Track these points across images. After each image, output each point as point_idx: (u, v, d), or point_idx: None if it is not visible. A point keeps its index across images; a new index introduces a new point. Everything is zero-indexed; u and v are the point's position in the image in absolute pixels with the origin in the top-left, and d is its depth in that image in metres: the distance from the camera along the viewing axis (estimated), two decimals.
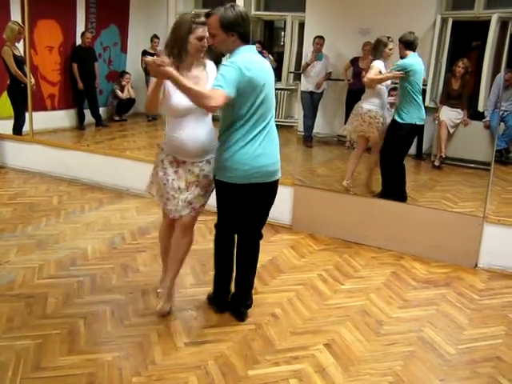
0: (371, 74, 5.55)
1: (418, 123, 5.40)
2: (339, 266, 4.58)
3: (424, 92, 5.95)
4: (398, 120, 5.38)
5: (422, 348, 3.38)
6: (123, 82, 9.62)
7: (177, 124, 3.31)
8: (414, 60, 5.35)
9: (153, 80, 3.11)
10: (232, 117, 3.19)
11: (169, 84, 3.08)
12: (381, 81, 5.61)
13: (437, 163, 6.70)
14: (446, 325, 3.69)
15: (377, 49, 5.69)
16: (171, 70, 2.90)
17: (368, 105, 5.76)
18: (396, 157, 5.54)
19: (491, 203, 4.91)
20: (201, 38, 3.19)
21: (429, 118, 6.43)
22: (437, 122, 6.82)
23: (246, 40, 3.16)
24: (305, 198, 5.31)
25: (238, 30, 3.12)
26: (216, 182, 3.38)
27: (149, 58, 2.88)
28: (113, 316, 3.58)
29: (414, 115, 5.38)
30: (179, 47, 3.19)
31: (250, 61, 3.11)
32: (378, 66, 5.60)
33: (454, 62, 6.77)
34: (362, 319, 3.69)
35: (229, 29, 3.09)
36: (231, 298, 3.69)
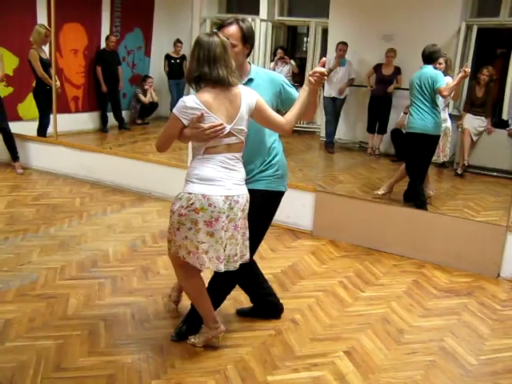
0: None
1: (411, 132, 5.50)
2: (360, 273, 4.56)
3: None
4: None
5: (442, 358, 3.35)
6: (146, 86, 9.69)
7: None
8: (414, 74, 5.51)
9: (305, 89, 3.01)
10: None
11: None
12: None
13: (459, 171, 6.65)
14: (467, 335, 3.65)
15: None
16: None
17: None
18: (406, 164, 5.67)
19: None
20: None
21: (452, 125, 6.39)
22: (460, 129, 6.77)
23: (249, 55, 3.20)
24: (326, 204, 5.29)
25: (252, 44, 3.15)
26: (271, 195, 3.28)
27: (320, 68, 2.93)
28: (133, 318, 3.60)
29: (407, 125, 5.59)
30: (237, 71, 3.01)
31: None
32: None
33: (478, 69, 6.72)
34: (383, 327, 3.67)
35: (247, 41, 3.09)
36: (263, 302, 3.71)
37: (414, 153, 5.48)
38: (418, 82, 5.36)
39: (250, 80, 3.15)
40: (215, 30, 3.01)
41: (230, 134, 2.89)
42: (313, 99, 3.07)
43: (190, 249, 2.94)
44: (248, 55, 3.19)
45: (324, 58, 3.04)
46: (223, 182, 2.90)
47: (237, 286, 3.52)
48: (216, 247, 2.92)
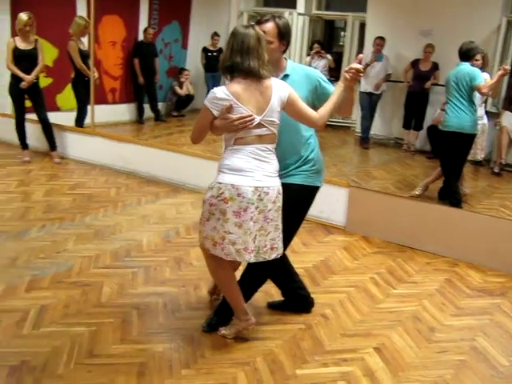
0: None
1: (447, 130, 5.40)
2: (392, 269, 4.53)
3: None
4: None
5: (473, 358, 3.32)
6: (182, 79, 9.78)
7: None
8: (450, 72, 5.40)
9: (340, 85, 3.02)
10: None
11: None
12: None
13: (496, 170, 6.57)
14: (499, 335, 3.61)
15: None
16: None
17: None
18: (441, 160, 5.62)
19: None
20: None
21: (490, 123, 6.30)
22: (498, 127, 6.68)
23: (285, 51, 3.21)
24: (360, 199, 5.27)
25: (288, 41, 3.15)
26: (307, 190, 3.28)
27: (356, 65, 2.92)
28: (165, 308, 3.64)
29: (442, 123, 5.47)
30: (270, 64, 3.00)
31: None
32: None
33: None
34: (414, 325, 3.65)
35: (283, 38, 3.10)
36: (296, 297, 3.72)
37: (450, 151, 5.39)
38: (454, 79, 5.26)
39: (286, 76, 3.15)
40: (252, 23, 3.04)
41: (260, 125, 2.91)
42: (349, 95, 3.07)
43: (217, 240, 2.98)
44: (284, 51, 3.19)
45: (361, 55, 3.02)
46: (253, 172, 2.92)
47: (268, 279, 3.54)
48: (244, 238, 2.93)
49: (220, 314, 3.41)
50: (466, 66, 5.24)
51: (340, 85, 3.00)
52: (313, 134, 3.29)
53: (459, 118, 5.26)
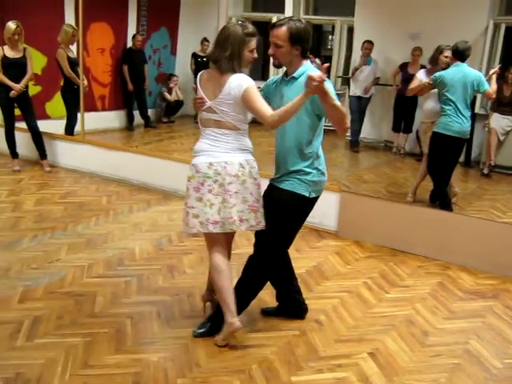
0: (411, 84, 5.68)
1: (443, 133, 5.31)
2: (385, 274, 4.55)
3: (474, 100, 5.85)
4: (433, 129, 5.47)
5: (467, 361, 3.34)
6: (171, 85, 9.77)
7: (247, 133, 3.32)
8: (449, 71, 5.28)
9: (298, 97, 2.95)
10: (319, 125, 3.22)
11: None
12: (413, 91, 5.60)
13: (486, 171, 6.60)
14: (492, 338, 3.63)
15: (433, 55, 5.66)
16: (327, 87, 2.88)
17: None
18: (429, 164, 5.57)
19: None
20: (252, 50, 3.19)
21: (479, 125, 6.34)
22: (487, 129, 6.72)
23: (305, 55, 3.18)
24: (351, 204, 5.29)
25: (303, 45, 3.13)
26: (293, 197, 3.24)
27: (313, 73, 2.77)
28: (159, 317, 3.64)
29: (440, 125, 5.34)
30: (237, 62, 3.12)
31: None
32: (418, 75, 5.63)
33: (506, 68, 6.65)
34: (407, 329, 3.67)
35: (296, 42, 3.09)
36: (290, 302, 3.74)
37: (444, 155, 5.36)
38: (462, 83, 5.19)
39: (293, 78, 3.17)
40: (243, 20, 3.26)
41: (212, 111, 3.16)
42: (335, 113, 2.97)
43: (183, 217, 3.29)
44: (304, 55, 3.17)
45: (326, 64, 2.91)
46: (209, 152, 3.20)
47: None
48: (205, 210, 3.17)
49: (214, 321, 3.41)
50: (471, 70, 5.22)
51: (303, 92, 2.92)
52: (316, 148, 3.24)
53: (462, 122, 5.23)
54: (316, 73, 2.77)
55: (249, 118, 3.23)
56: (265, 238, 3.33)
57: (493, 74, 5.23)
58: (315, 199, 3.32)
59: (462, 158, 6.21)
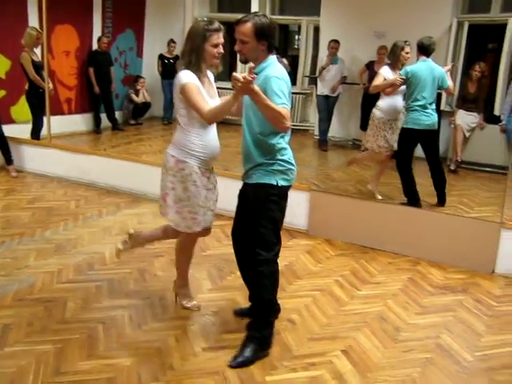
0: (375, 81, 5.67)
1: (415, 128, 5.44)
2: (356, 271, 4.58)
3: (439, 96, 5.95)
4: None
5: (439, 355, 3.38)
6: (138, 87, 9.71)
7: (207, 130, 3.34)
8: (418, 66, 5.38)
9: (228, 96, 3.08)
10: None
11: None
12: (378, 88, 5.64)
13: (452, 167, 6.69)
14: (463, 331, 3.68)
15: (393, 52, 5.72)
16: (255, 87, 2.88)
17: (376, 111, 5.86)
18: (399, 160, 5.63)
19: (509, 208, 4.87)
20: (216, 45, 3.22)
21: (444, 121, 6.42)
22: (452, 125, 6.81)
23: (271, 50, 3.18)
24: (321, 203, 5.32)
25: (269, 40, 3.13)
26: (261, 188, 3.22)
27: (237, 75, 2.81)
28: (131, 321, 3.61)
29: (410, 120, 5.46)
30: (196, 56, 3.21)
31: (284, 72, 3.13)
32: (383, 72, 5.69)
33: (470, 65, 6.76)
34: (379, 325, 3.70)
35: (261, 37, 3.09)
36: None
37: (403, 148, 5.57)
38: (431, 77, 5.37)
39: (255, 74, 3.16)
40: (207, 18, 3.34)
41: None
42: (265, 111, 3.00)
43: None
44: (270, 51, 3.17)
45: (252, 64, 2.97)
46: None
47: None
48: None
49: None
50: (435, 65, 5.41)
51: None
52: (282, 142, 3.20)
53: (431, 115, 5.44)
54: (241, 74, 2.83)
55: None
56: (253, 239, 3.28)
57: (447, 70, 5.44)
58: (286, 188, 3.26)
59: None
